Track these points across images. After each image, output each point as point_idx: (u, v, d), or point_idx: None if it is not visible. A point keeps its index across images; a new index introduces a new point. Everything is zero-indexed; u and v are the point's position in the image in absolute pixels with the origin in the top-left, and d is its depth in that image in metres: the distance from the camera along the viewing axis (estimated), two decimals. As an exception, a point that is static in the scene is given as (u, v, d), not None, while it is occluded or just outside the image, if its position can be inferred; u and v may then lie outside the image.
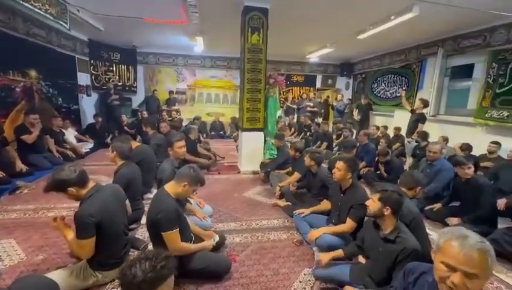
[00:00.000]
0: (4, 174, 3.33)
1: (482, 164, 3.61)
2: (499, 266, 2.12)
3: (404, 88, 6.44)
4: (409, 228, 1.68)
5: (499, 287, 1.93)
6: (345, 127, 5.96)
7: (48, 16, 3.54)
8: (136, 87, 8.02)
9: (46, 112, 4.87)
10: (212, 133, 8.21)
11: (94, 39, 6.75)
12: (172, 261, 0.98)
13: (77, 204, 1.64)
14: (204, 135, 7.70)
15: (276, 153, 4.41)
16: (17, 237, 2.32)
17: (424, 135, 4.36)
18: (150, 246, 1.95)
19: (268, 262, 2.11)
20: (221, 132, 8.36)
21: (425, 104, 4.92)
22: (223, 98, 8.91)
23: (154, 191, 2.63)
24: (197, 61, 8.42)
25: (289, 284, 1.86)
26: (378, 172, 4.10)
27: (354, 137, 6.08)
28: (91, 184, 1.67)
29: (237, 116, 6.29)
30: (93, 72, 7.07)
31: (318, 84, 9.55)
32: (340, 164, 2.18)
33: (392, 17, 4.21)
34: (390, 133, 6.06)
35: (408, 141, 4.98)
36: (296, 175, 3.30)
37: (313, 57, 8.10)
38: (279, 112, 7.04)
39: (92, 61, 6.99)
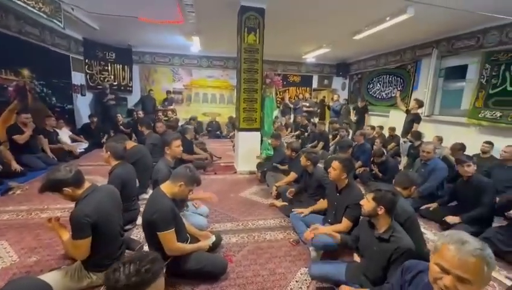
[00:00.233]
0: (-4, 175, 3.29)
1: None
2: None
3: (399, 89, 6.51)
4: (404, 227, 1.70)
5: (491, 285, 1.96)
6: (341, 127, 5.99)
7: (41, 14, 3.48)
8: (131, 86, 7.95)
9: (39, 112, 4.80)
10: (209, 128, 8.17)
11: (89, 38, 6.68)
12: (158, 264, 0.93)
13: (72, 205, 1.62)
14: (201, 134, 7.67)
15: (272, 153, 4.41)
16: (9, 238, 2.28)
17: (418, 135, 4.41)
18: (146, 247, 1.94)
19: (264, 262, 2.11)
20: (218, 132, 8.34)
21: (420, 104, 4.98)
22: (219, 98, 8.89)
23: (150, 191, 2.61)
24: (193, 61, 8.38)
25: (285, 284, 1.86)
26: (374, 172, 4.13)
27: (350, 137, 6.11)
28: (87, 184, 1.65)
29: (234, 115, 6.29)
30: (88, 71, 6.99)
31: (314, 85, 9.59)
32: (335, 164, 2.19)
33: (388, 18, 4.25)
34: (386, 133, 6.12)
35: (404, 141, 5.03)
36: (293, 175, 3.31)
37: (310, 57, 8.13)
38: (276, 112, 7.05)
39: (86, 61, 6.91)
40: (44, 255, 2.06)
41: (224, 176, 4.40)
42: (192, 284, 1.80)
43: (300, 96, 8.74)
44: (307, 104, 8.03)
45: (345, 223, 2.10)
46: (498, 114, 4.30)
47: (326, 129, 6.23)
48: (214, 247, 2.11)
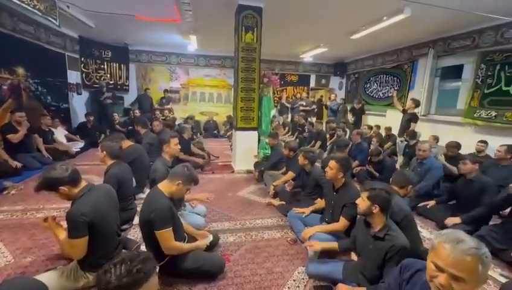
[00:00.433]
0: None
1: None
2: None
3: (396, 88, 6.55)
4: (401, 225, 1.71)
5: (486, 282, 1.98)
6: (338, 126, 6.01)
7: (36, 11, 3.43)
8: (128, 85, 7.90)
9: (34, 111, 4.75)
10: (206, 127, 8.15)
11: (85, 36, 6.61)
12: (150, 263, 0.91)
13: (67, 205, 1.61)
14: (198, 134, 7.65)
15: (270, 152, 4.41)
16: (4, 239, 2.25)
17: (413, 134, 4.45)
18: (143, 247, 1.93)
19: (262, 261, 2.11)
20: (215, 131, 8.32)
21: (417, 103, 5.02)
22: (216, 97, 8.86)
23: (147, 191, 2.60)
24: (190, 59, 8.34)
25: (283, 283, 1.87)
26: (371, 171, 4.15)
27: (347, 136, 6.14)
28: (83, 183, 1.64)
29: (232, 115, 6.27)
30: (83, 70, 6.92)
31: (312, 84, 9.61)
32: (332, 163, 2.20)
33: (385, 18, 4.27)
34: (382, 132, 6.15)
35: (401, 141, 5.06)
36: (290, 174, 3.32)
37: (307, 57, 8.14)
38: (273, 111, 7.06)
39: (82, 59, 6.83)
40: (39, 256, 2.04)
41: (221, 175, 4.39)
42: (190, 284, 1.79)
43: (298, 95, 8.75)
44: (304, 104, 8.04)
45: (342, 222, 2.11)
46: (493, 114, 4.35)
47: (324, 129, 6.25)
48: (212, 246, 2.11)
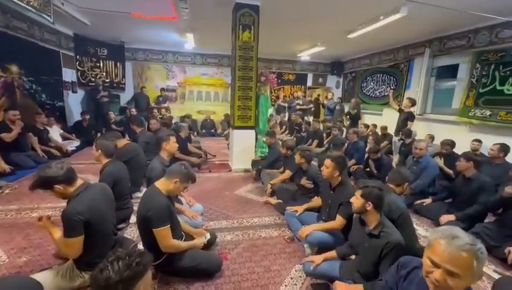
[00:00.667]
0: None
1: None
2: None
3: (392, 87, 6.59)
4: (397, 223, 1.73)
5: (481, 278, 2.01)
6: (334, 125, 6.03)
7: (29, 8, 3.38)
8: (124, 84, 7.83)
9: (28, 109, 4.69)
10: (203, 131, 8.14)
11: (80, 34, 6.52)
12: (147, 256, 0.95)
13: (63, 204, 1.59)
14: (195, 133, 7.62)
15: (267, 151, 4.41)
16: (-2, 238, 2.23)
17: (408, 133, 4.48)
18: (140, 246, 1.92)
19: (259, 259, 2.12)
20: (212, 130, 8.30)
21: (413, 102, 5.05)
22: (214, 96, 8.83)
23: (144, 190, 2.58)
24: (187, 58, 8.30)
25: (280, 281, 1.87)
26: (368, 169, 4.17)
27: (344, 136, 6.17)
28: (79, 182, 1.62)
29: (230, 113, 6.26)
30: (79, 68, 6.84)
31: (309, 83, 9.63)
32: (328, 162, 2.21)
33: (381, 18, 4.29)
34: (378, 132, 6.18)
35: (398, 139, 5.10)
36: (288, 173, 3.32)
37: (304, 56, 8.14)
38: (271, 110, 7.05)
39: (77, 57, 6.75)
40: (34, 255, 2.02)
41: (219, 174, 4.39)
42: (187, 282, 1.79)
43: (295, 94, 8.76)
44: (300, 102, 8.05)
45: (339, 220, 2.12)
46: (487, 113, 4.40)
47: (321, 127, 6.26)
48: (209, 245, 2.11)
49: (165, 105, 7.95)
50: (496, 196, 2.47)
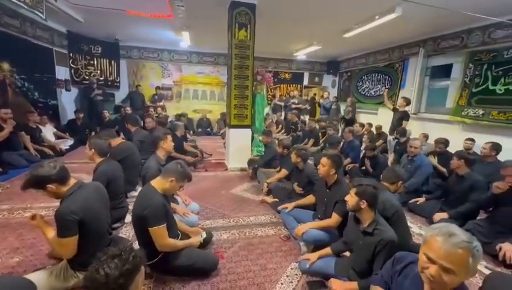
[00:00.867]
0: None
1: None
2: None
3: (387, 87, 6.65)
4: (391, 220, 1.75)
5: (474, 275, 2.04)
6: (328, 125, 6.06)
7: (21, 4, 3.32)
8: (119, 82, 7.74)
9: (21, 107, 4.61)
10: (199, 130, 8.11)
11: (73, 31, 6.42)
12: (140, 251, 1.00)
13: (56, 203, 1.57)
14: (191, 132, 7.58)
15: (263, 150, 4.42)
16: (-10, 239, 2.19)
17: (403, 132, 4.53)
18: (135, 245, 1.90)
19: (255, 258, 2.12)
20: (208, 129, 8.27)
21: (408, 102, 5.10)
22: (210, 95, 8.80)
23: (139, 189, 2.56)
24: (183, 56, 8.24)
25: (276, 279, 1.88)
26: (363, 168, 4.21)
27: (339, 135, 6.20)
28: (72, 181, 1.60)
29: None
30: (72, 65, 6.73)
31: (305, 82, 9.65)
32: (324, 160, 2.22)
33: (377, 17, 4.32)
34: (373, 131, 6.23)
35: (393, 138, 5.15)
36: (284, 172, 3.33)
37: (300, 55, 8.16)
38: (267, 109, 7.05)
39: (71, 55, 6.64)
40: (27, 256, 1.99)
41: (215, 173, 4.38)
42: (183, 281, 1.79)
43: (291, 93, 8.77)
44: (296, 101, 8.07)
45: (334, 218, 2.13)
46: (480, 112, 4.47)
47: (317, 126, 6.29)
48: (205, 243, 2.11)
49: (161, 104, 7.88)
50: (487, 194, 2.52)
